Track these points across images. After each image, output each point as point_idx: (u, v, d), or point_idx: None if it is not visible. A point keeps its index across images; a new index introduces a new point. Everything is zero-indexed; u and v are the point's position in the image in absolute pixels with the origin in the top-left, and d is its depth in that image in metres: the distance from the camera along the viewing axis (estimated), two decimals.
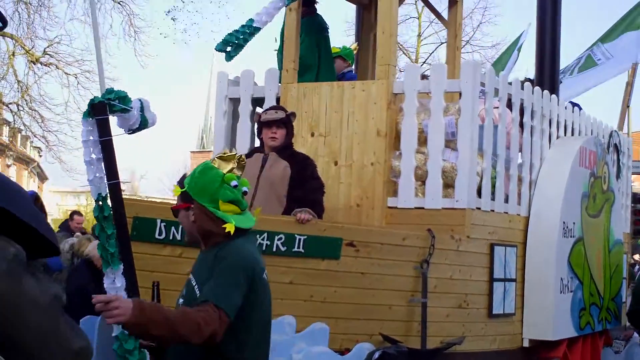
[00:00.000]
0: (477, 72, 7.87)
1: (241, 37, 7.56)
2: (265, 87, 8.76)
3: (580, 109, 10.34)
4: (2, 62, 26.18)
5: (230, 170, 4.27)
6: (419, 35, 32.03)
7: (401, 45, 31.06)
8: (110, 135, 5.76)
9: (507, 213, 8.42)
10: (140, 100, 5.98)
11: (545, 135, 9.17)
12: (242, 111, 8.87)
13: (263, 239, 6.40)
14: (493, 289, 8.03)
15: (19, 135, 37.39)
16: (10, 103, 26.79)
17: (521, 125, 8.79)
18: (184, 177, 4.37)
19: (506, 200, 8.44)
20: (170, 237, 6.03)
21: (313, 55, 9.04)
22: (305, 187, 7.03)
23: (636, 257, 16.82)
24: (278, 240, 6.49)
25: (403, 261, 7.15)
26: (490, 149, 8.08)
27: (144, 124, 5.86)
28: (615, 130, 11.10)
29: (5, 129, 37.95)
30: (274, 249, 6.44)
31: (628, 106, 12.65)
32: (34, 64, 26.37)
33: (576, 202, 9.01)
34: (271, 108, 7.49)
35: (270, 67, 8.84)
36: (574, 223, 8.91)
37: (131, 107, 5.82)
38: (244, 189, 4.26)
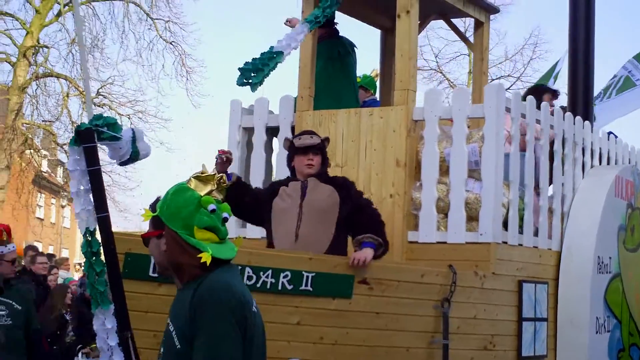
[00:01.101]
0: (501, 96, 7.40)
1: (259, 63, 7.07)
2: (279, 116, 8.36)
3: (616, 137, 9.82)
4: (56, 104, 26.92)
5: (209, 193, 3.81)
6: (470, 72, 31.85)
7: (451, 82, 30.98)
8: (99, 165, 5.41)
9: (536, 247, 7.91)
10: (132, 129, 5.62)
11: (578, 164, 8.66)
12: (256, 141, 8.47)
13: (267, 277, 5.97)
14: (522, 330, 7.51)
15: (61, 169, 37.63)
16: (65, 144, 26.90)
17: (552, 153, 8.29)
18: (157, 200, 3.90)
19: (536, 234, 7.94)
20: None
21: (334, 81, 8.63)
22: (366, 212, 6.58)
23: None
24: (284, 277, 6.04)
25: (422, 300, 6.66)
26: (517, 178, 7.59)
27: (135, 155, 5.50)
28: None
29: (60, 170, 38.66)
30: (280, 287, 5.99)
31: None
32: None
33: (612, 235, 8.48)
34: (304, 133, 6.93)
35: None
36: (610, 258, 8.38)
37: (121, 136, 5.46)
38: (225, 214, 3.78)
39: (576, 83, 9.61)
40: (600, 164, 9.17)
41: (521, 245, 7.67)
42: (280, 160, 8.20)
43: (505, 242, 7.44)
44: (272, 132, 8.47)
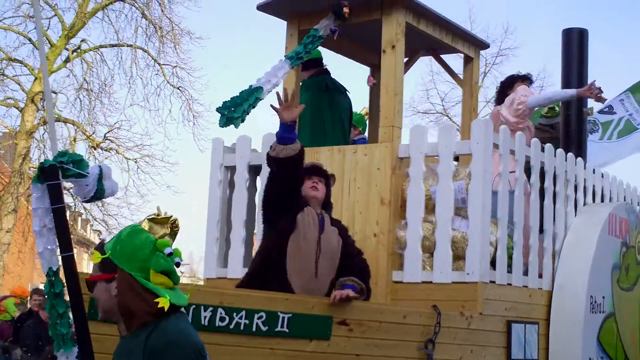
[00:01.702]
0: (489, 132, 7.23)
1: (237, 99, 6.91)
2: (262, 154, 8.17)
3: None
4: (63, 148, 25.95)
5: (163, 236, 3.65)
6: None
7: (458, 125, 30.84)
8: (63, 202, 5.24)
9: (526, 287, 7.70)
10: (100, 167, 5.46)
11: (570, 201, 8.47)
12: (238, 180, 8.29)
13: (241, 318, 5.76)
14: None
15: (79, 218, 37.77)
16: (71, 187, 26.67)
17: (543, 191, 8.10)
18: (102, 243, 3.73)
19: (525, 273, 7.73)
20: None
21: (320, 115, 8.48)
22: (355, 260, 6.49)
23: None
24: (258, 318, 5.84)
25: (404, 341, 6.44)
26: (506, 216, 7.39)
27: (100, 193, 5.34)
28: None
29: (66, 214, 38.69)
30: (254, 329, 5.79)
31: None
32: (95, 149, 27.10)
33: (606, 274, 8.28)
34: (311, 163, 6.79)
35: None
36: (603, 297, 8.16)
37: (87, 173, 5.30)
38: (177, 259, 3.63)
39: (569, 120, 9.44)
40: (593, 201, 8.98)
41: (510, 284, 7.46)
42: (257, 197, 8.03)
43: (493, 282, 7.23)
44: (255, 170, 8.30)
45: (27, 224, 27.94)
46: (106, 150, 27.53)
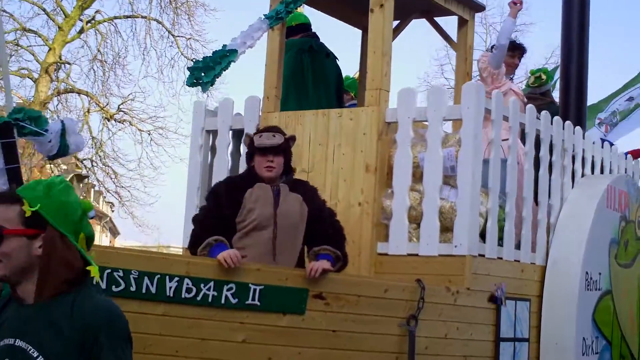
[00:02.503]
0: (481, 96, 6.83)
1: (210, 61, 6.53)
2: (244, 118, 7.82)
3: (611, 144, 9.25)
4: (77, 119, 26.95)
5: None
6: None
7: None
8: (18, 162, 4.90)
9: (518, 261, 7.33)
10: (62, 122, 5.10)
11: (567, 172, 8.08)
12: (220, 145, 7.94)
13: (209, 289, 5.42)
14: (499, 351, 6.90)
15: (92, 190, 38.10)
16: (85, 159, 27.93)
17: (538, 160, 7.72)
18: (12, 191, 3.27)
19: (518, 247, 7.35)
20: None
21: (304, 76, 8.11)
22: (326, 222, 6.08)
23: None
24: (228, 290, 5.49)
25: (385, 317, 6.08)
26: (498, 186, 7.01)
27: (63, 149, 5.00)
28: None
29: (79, 185, 39.20)
30: (223, 301, 5.44)
31: None
32: (108, 120, 27.63)
33: (603, 250, 7.90)
34: (266, 130, 6.27)
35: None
36: (599, 274, 7.79)
37: (46, 130, 4.94)
38: (91, 214, 3.26)
39: (569, 85, 9.08)
40: (592, 173, 8.59)
41: (501, 258, 7.08)
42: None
43: (482, 255, 6.86)
44: (238, 135, 7.92)
45: None
46: (120, 122, 27.90)
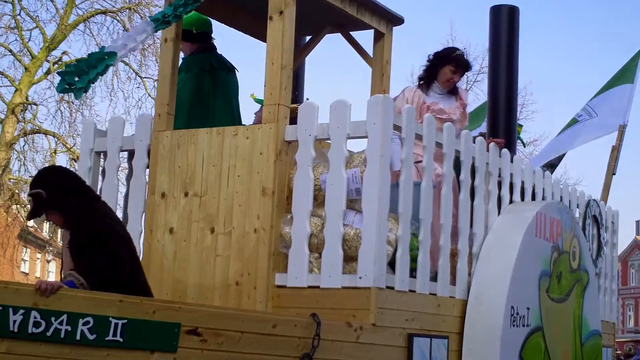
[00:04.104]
0: (388, 111, 6.28)
1: (83, 65, 5.98)
2: (135, 137, 7.24)
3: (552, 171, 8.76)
4: (44, 160, 27.34)
5: None
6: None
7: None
8: None
9: (434, 295, 6.75)
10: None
11: (493, 198, 7.54)
12: (109, 167, 7.35)
13: (61, 324, 4.80)
14: None
15: (59, 231, 37.82)
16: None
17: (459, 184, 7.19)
18: None
19: (434, 279, 6.78)
20: None
21: (205, 97, 7.58)
22: (84, 259, 5.34)
23: None
24: (84, 324, 4.88)
25: (274, 356, 5.48)
26: (409, 211, 6.45)
27: None
28: (594, 200, 9.45)
29: (46, 225, 40.67)
30: (78, 337, 4.83)
31: (614, 174, 11.00)
32: (75, 161, 26.98)
33: (531, 282, 7.35)
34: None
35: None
36: (528, 309, 7.23)
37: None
38: None
39: (497, 104, 8.54)
40: (523, 200, 8.06)
41: (413, 291, 6.50)
42: (136, 185, 7.13)
43: (391, 288, 6.28)
44: (131, 156, 7.36)
45: (6, 236, 29.39)
46: None
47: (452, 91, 7.70)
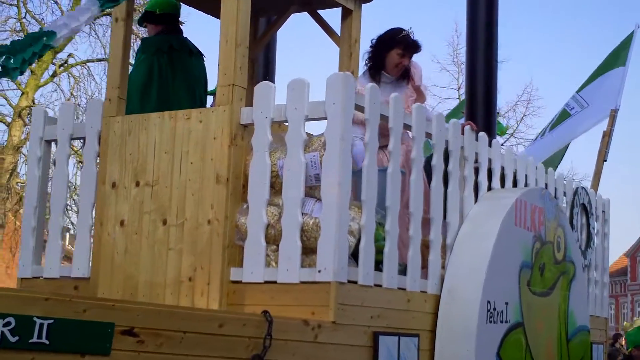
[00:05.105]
0: (349, 90, 5.86)
1: (18, 45, 5.58)
2: (86, 124, 6.83)
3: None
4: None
5: None
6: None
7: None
8: None
9: (403, 289, 6.34)
10: None
11: (469, 185, 7.12)
12: (59, 156, 6.95)
13: None
14: None
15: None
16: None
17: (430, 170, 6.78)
18: None
19: (403, 272, 6.37)
20: None
21: (162, 79, 7.20)
22: None
23: None
24: (4, 325, 4.46)
25: (219, 358, 5.06)
26: (374, 198, 6.03)
27: None
28: (583, 187, 9.03)
29: None
30: None
31: (605, 160, 10.60)
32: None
33: (510, 275, 6.93)
34: None
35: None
36: (506, 303, 6.81)
37: None
38: None
39: (475, 84, 8.14)
40: (503, 187, 7.64)
41: (379, 286, 6.09)
42: (86, 175, 6.74)
43: (354, 282, 5.86)
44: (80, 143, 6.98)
45: (14, 240, 29.41)
46: None
47: (402, 74, 7.27)
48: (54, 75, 27.97)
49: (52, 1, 27.82)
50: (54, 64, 27.81)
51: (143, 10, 7.37)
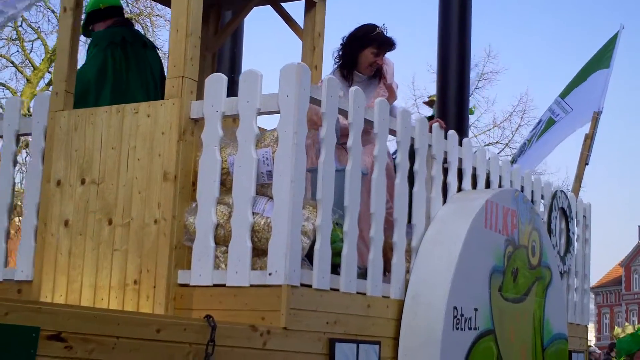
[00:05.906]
0: (304, 81, 5.55)
1: None
2: (32, 119, 6.53)
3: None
4: None
5: None
6: None
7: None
8: None
9: (363, 294, 6.02)
10: None
11: (437, 185, 6.81)
12: (4, 153, 6.66)
13: None
14: None
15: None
16: None
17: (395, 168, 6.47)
18: None
19: (363, 275, 6.05)
20: None
21: (113, 76, 6.90)
22: None
23: None
24: None
25: None
26: (330, 197, 5.71)
27: None
28: (562, 191, 8.72)
29: None
30: None
31: (587, 164, 10.31)
32: None
33: (480, 280, 6.62)
34: None
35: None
36: (475, 309, 6.50)
37: None
38: None
39: (447, 81, 7.83)
40: (476, 188, 7.34)
41: (336, 290, 5.77)
42: (31, 173, 6.43)
43: (308, 286, 5.55)
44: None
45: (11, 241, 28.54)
46: None
47: (375, 72, 6.96)
48: (49, 83, 27.40)
49: (48, 10, 27.79)
50: (49, 72, 27.44)
51: (84, 18, 7.06)
